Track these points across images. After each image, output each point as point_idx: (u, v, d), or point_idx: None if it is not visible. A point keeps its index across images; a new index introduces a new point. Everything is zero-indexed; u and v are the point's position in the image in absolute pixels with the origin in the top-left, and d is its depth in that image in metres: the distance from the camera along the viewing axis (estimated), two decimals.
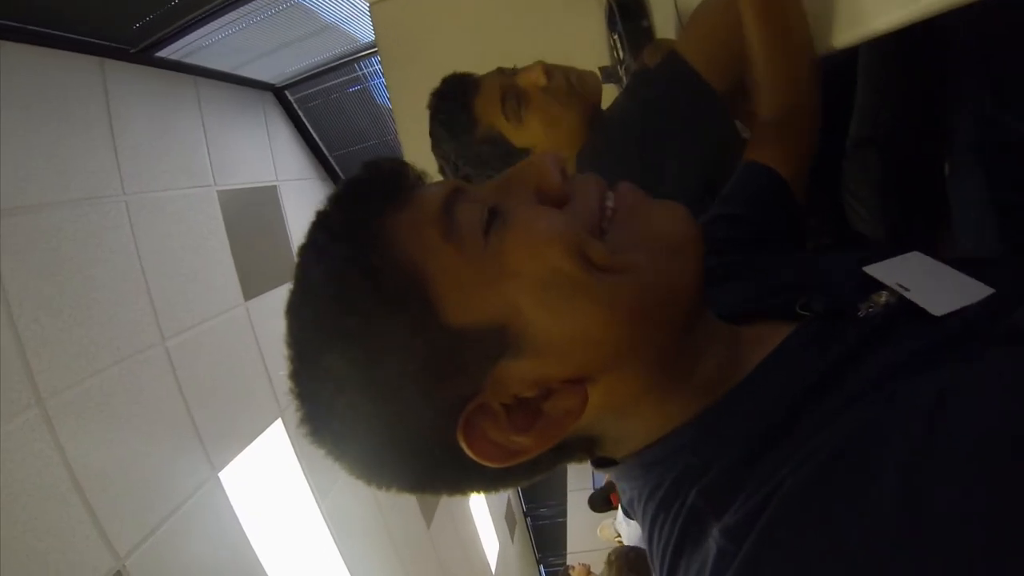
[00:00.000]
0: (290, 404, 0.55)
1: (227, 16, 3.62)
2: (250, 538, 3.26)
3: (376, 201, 0.55)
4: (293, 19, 4.10)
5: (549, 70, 1.35)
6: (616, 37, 1.83)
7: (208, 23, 3.57)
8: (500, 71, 1.40)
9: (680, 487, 0.53)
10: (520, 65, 1.41)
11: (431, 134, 1.44)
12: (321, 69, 4.74)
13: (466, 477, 0.57)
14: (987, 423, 0.39)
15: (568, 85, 1.36)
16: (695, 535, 0.49)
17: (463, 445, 0.51)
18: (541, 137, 1.35)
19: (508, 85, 1.36)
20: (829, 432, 0.46)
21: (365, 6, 3.10)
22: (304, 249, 0.55)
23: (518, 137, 1.36)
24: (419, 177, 0.60)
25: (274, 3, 3.82)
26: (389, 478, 0.57)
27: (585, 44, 1.67)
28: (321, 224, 0.55)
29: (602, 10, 1.91)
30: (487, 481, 0.58)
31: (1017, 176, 1.01)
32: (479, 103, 1.37)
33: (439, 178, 0.80)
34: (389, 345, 0.50)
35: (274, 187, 4.50)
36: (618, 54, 1.85)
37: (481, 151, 1.37)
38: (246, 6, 3.63)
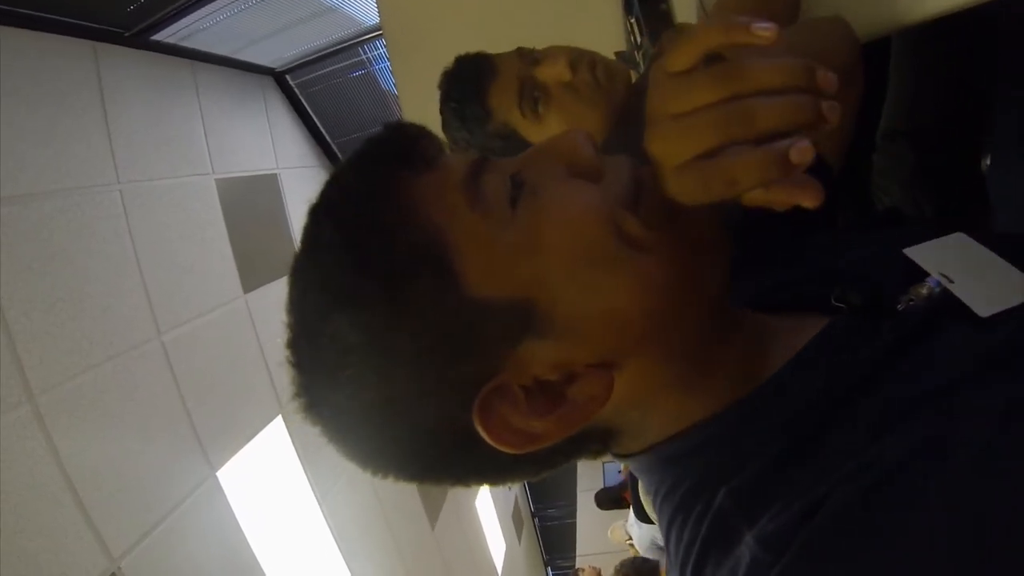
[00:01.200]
0: (292, 400, 0.53)
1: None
2: (249, 539, 3.18)
3: (398, 161, 0.53)
4: (294, 0, 4.00)
5: (575, 63, 1.24)
6: (633, 21, 1.68)
7: (206, 4, 3.47)
8: (520, 53, 1.29)
9: (703, 486, 0.51)
10: (540, 46, 1.29)
11: (441, 115, 1.34)
12: (323, 53, 4.63)
13: (476, 465, 0.55)
14: None
15: (594, 81, 1.25)
16: (723, 539, 0.47)
17: (479, 427, 0.49)
18: None
19: (527, 77, 1.25)
20: (879, 446, 0.43)
21: None
22: (315, 209, 0.53)
23: (534, 134, 1.26)
24: (442, 146, 0.57)
25: None
26: (390, 463, 0.55)
27: (600, 28, 1.60)
28: (337, 182, 0.54)
29: None
30: (497, 471, 0.56)
31: None
32: (494, 93, 1.27)
33: None
34: (404, 313, 0.48)
35: (274, 175, 4.40)
36: (635, 39, 1.69)
37: (493, 145, 1.28)
38: None
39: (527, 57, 1.28)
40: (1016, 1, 0.88)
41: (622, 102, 1.28)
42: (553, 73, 1.24)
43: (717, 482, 0.49)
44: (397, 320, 0.48)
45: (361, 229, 0.50)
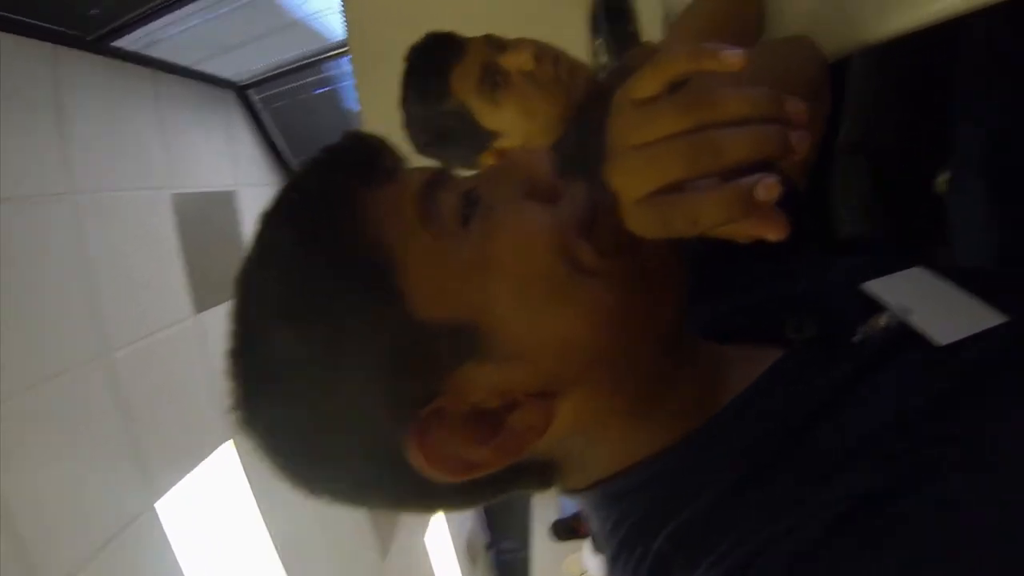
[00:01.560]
0: (228, 412, 0.51)
1: (190, 6, 3.44)
2: None
3: (355, 172, 0.52)
4: (260, 13, 3.99)
5: (539, 54, 1.27)
6: (600, 42, 1.79)
7: (170, 12, 3.37)
8: (488, 40, 1.32)
9: (646, 526, 0.49)
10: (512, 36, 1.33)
11: (402, 88, 1.37)
12: (287, 68, 4.58)
13: (410, 490, 0.53)
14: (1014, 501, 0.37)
15: (555, 75, 1.28)
16: None
17: (414, 453, 0.47)
18: (513, 124, 1.28)
19: (491, 62, 1.28)
20: (823, 495, 0.42)
21: (338, 1, 2.94)
22: (268, 214, 0.52)
23: (488, 118, 1.29)
24: (400, 160, 0.56)
25: None
26: (324, 484, 0.53)
27: (566, 49, 1.59)
28: (293, 187, 0.53)
29: (584, 16, 1.88)
30: (433, 498, 0.55)
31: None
32: (457, 72, 1.29)
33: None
34: (347, 329, 0.48)
35: (232, 193, 4.28)
36: (601, 60, 1.81)
37: (446, 123, 1.31)
38: None
39: (494, 43, 1.31)
40: (977, 23, 0.88)
41: (581, 100, 1.31)
42: (517, 61, 1.26)
43: (662, 519, 0.48)
44: (339, 336, 0.48)
45: (310, 240, 0.49)
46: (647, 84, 0.43)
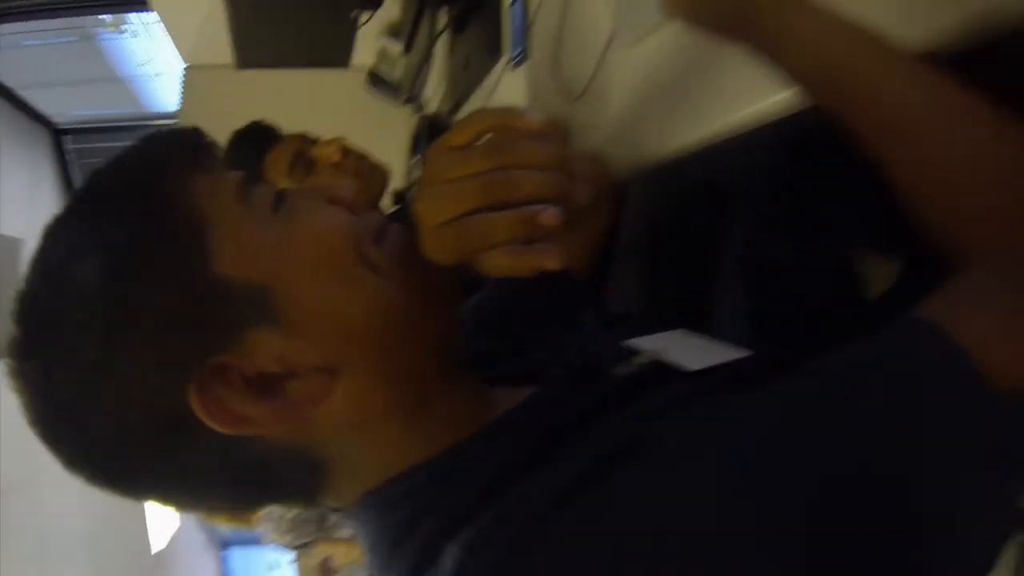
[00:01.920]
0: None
1: (34, 23, 3.17)
2: None
3: (187, 150, 0.57)
4: (98, 57, 3.82)
5: (346, 150, 1.55)
6: (417, 159, 2.02)
7: (9, 21, 3.01)
8: (303, 135, 1.58)
9: (415, 522, 0.53)
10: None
11: None
12: (109, 124, 4.32)
13: (180, 462, 0.53)
14: (732, 467, 0.42)
15: (358, 169, 1.55)
16: (429, 560, 0.50)
17: (193, 399, 0.49)
18: None
19: (303, 152, 1.53)
20: (573, 459, 0.48)
21: (179, 69, 2.91)
22: (96, 171, 0.55)
23: None
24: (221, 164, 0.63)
25: (85, 28, 3.56)
26: (90, 444, 0.52)
27: (386, 160, 1.81)
28: (123, 151, 0.56)
29: (406, 135, 2.16)
30: (199, 480, 0.55)
31: (773, 294, 1.07)
32: (271, 157, 1.52)
33: None
34: (149, 270, 0.50)
35: (21, 242, 3.76)
36: (416, 175, 2.05)
37: None
38: (58, 20, 3.25)
39: (308, 138, 1.58)
40: (745, 144, 0.99)
41: (376, 199, 1.63)
42: (326, 152, 1.53)
43: (426, 515, 0.53)
44: (139, 277, 0.49)
45: (127, 191, 0.52)
46: (461, 135, 0.52)
